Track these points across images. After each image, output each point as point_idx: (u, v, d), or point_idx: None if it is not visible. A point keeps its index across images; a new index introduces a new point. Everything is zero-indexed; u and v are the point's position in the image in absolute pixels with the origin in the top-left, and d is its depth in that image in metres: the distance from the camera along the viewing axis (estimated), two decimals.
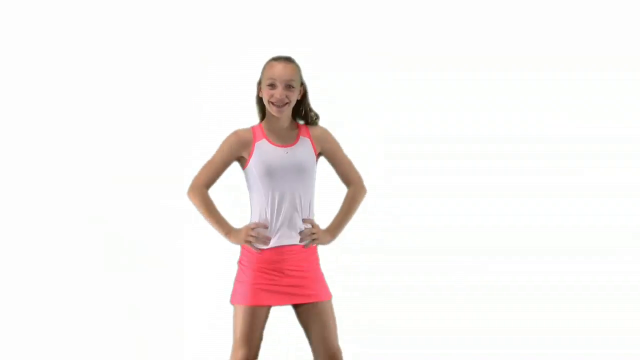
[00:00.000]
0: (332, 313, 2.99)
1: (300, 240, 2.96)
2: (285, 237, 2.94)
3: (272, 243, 2.93)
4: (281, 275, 2.93)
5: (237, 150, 2.97)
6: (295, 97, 2.95)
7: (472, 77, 4.60)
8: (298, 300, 2.94)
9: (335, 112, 4.45)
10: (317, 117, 3.07)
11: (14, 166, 4.59)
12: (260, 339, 2.96)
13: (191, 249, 4.49)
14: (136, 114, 4.62)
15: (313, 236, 2.99)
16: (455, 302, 4.52)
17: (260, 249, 2.93)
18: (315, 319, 2.94)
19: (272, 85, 2.91)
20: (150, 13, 4.61)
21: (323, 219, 3.07)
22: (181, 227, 4.44)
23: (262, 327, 2.96)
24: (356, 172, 3.12)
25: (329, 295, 3.01)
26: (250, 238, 2.92)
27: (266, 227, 2.93)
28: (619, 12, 4.58)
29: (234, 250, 3.03)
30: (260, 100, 3.00)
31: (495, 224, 4.57)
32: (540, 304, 4.50)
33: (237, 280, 2.98)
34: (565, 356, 4.31)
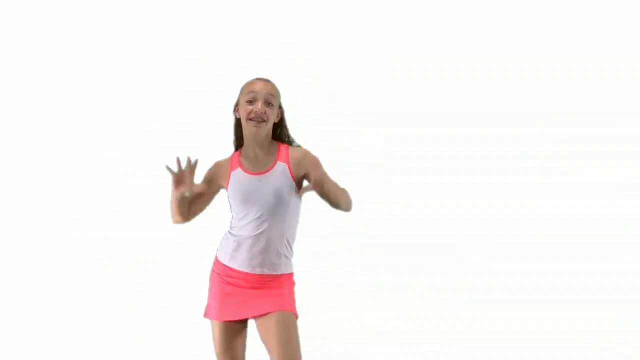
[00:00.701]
0: (296, 330, 2.86)
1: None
2: (253, 266, 2.85)
3: (239, 267, 2.86)
4: (245, 291, 2.86)
5: (216, 181, 2.92)
6: (273, 116, 2.85)
7: (472, 77, 4.60)
8: (257, 312, 2.84)
9: (335, 112, 4.50)
10: (292, 142, 2.96)
11: (14, 167, 4.60)
12: (242, 348, 2.93)
13: (192, 249, 4.49)
14: (136, 113, 4.63)
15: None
16: (455, 302, 4.51)
17: (184, 195, 2.81)
18: (274, 331, 2.81)
19: (252, 101, 2.82)
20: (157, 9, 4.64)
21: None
22: (182, 227, 4.44)
23: (239, 338, 2.91)
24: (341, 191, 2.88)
25: (293, 310, 2.87)
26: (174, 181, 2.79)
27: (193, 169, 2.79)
28: (619, 13, 4.57)
29: None
30: (237, 125, 2.93)
31: (495, 224, 4.56)
32: (540, 304, 4.49)
33: (209, 292, 2.96)
34: (564, 357, 4.31)
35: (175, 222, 2.96)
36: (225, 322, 2.88)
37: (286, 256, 2.89)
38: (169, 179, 2.79)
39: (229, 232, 2.92)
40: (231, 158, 2.94)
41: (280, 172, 2.85)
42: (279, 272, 2.88)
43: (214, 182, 2.93)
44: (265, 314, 2.83)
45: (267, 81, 2.87)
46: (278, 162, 2.87)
